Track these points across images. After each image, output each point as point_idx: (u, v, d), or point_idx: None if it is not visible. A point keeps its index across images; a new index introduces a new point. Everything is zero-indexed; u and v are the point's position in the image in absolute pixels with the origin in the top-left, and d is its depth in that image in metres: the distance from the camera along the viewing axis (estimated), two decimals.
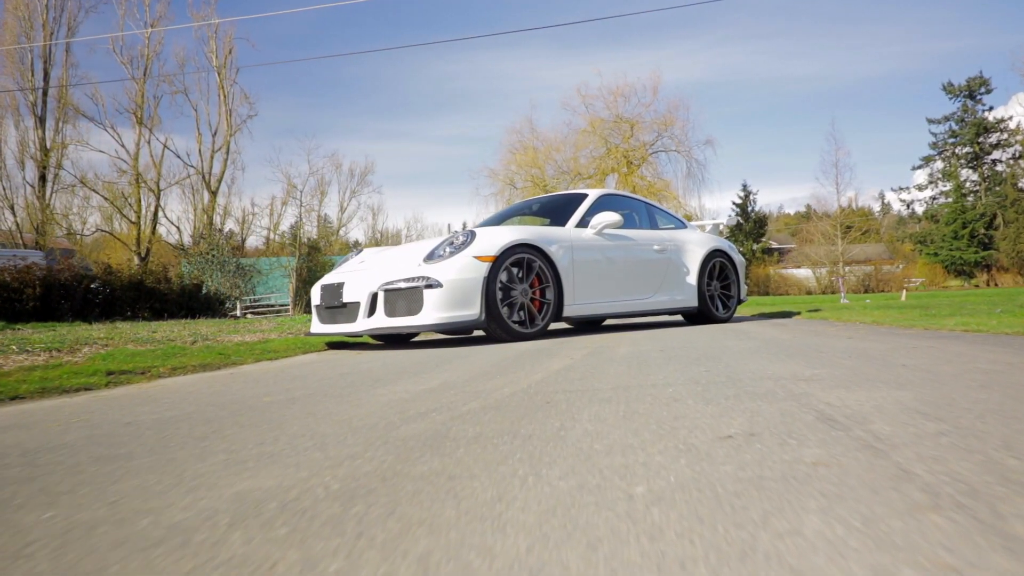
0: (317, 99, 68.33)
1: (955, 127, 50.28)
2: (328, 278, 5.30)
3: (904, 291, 21.35)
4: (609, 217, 5.56)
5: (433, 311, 4.54)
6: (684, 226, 6.91)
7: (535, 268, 5.04)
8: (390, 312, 4.66)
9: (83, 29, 34.07)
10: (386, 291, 4.68)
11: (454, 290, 4.59)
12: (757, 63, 72.23)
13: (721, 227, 7.52)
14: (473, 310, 4.64)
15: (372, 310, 4.73)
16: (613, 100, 39.32)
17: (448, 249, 4.80)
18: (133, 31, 33.36)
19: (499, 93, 69.34)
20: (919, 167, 52.73)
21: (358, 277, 4.94)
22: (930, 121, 51.46)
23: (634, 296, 5.88)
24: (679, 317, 7.75)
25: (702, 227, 7.31)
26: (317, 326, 5.20)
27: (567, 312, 5.24)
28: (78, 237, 36.61)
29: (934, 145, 51.50)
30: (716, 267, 6.65)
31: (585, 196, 5.99)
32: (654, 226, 6.53)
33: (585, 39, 63.53)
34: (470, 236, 4.85)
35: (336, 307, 4.99)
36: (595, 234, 5.61)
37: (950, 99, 50.58)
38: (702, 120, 54.87)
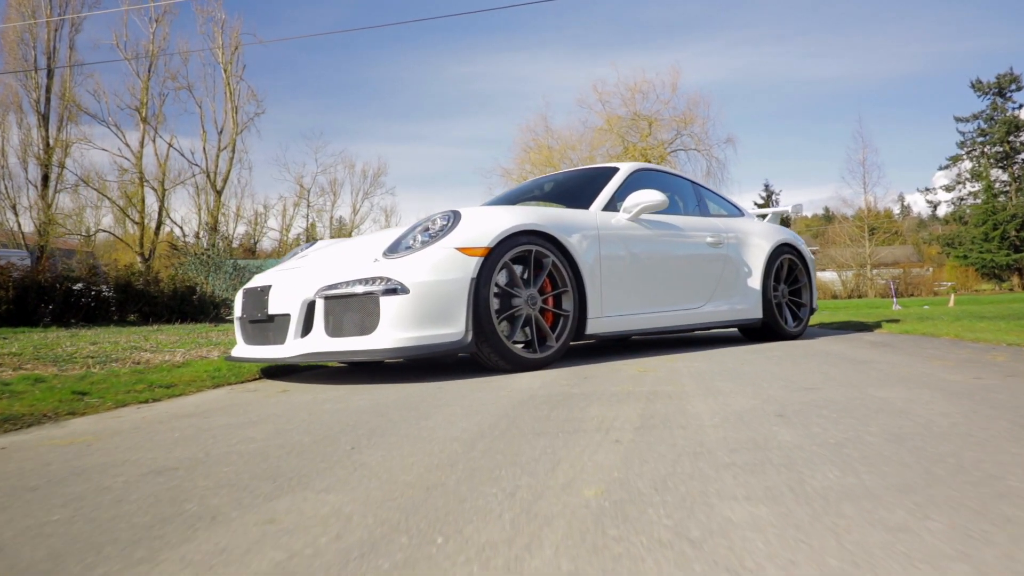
0: (333, 101, 66.98)
1: (984, 125, 48.28)
2: (255, 280, 3.79)
3: (952, 296, 19.63)
4: (649, 197, 4.02)
5: (394, 329, 3.03)
6: (741, 213, 5.35)
7: (547, 266, 3.51)
8: (333, 330, 3.15)
9: (87, 25, 32.98)
10: (327, 299, 3.16)
11: (426, 297, 3.07)
12: (774, 65, 70.18)
13: (784, 216, 5.95)
14: (454, 327, 3.12)
15: (308, 326, 3.22)
16: (631, 97, 37.83)
17: (420, 237, 3.28)
18: (137, 5, 32.25)
19: (515, 95, 67.62)
20: (946, 167, 50.82)
21: (291, 278, 3.42)
22: (958, 119, 49.52)
23: (681, 305, 4.32)
24: (729, 330, 6.19)
25: (761, 216, 5.74)
26: (241, 348, 3.70)
27: (592, 328, 3.71)
28: (82, 237, 35.57)
29: (962, 144, 49.53)
30: (784, 266, 5.09)
31: (615, 170, 4.45)
32: (704, 212, 4.97)
33: (602, 41, 61.63)
34: (452, 219, 3.33)
35: (261, 321, 3.48)
36: (629, 220, 4.07)
37: (979, 96, 48.64)
38: (722, 118, 52.62)
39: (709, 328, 4.58)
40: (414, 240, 3.27)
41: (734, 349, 4.25)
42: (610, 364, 3.52)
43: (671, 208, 4.61)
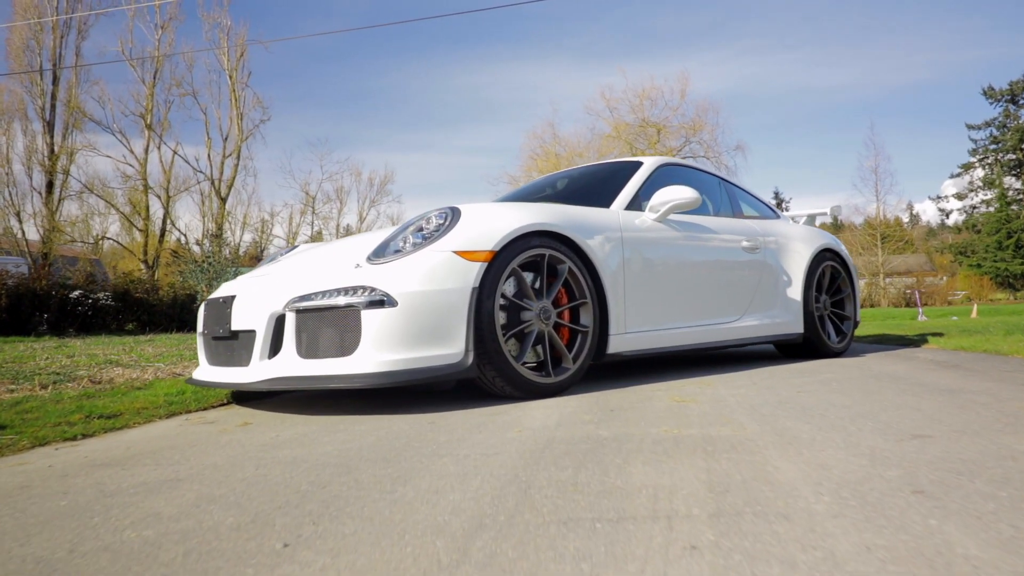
0: (340, 110, 66.54)
1: (996, 133, 47.60)
2: (220, 290, 3.26)
3: (975, 306, 18.97)
4: (679, 194, 3.46)
5: (378, 349, 2.48)
6: (776, 215, 4.79)
7: (562, 273, 2.96)
8: (307, 350, 2.60)
9: (93, 32, 32.67)
10: (299, 312, 2.62)
11: (417, 310, 2.52)
12: (782, 74, 69.53)
13: (819, 220, 5.38)
14: (452, 347, 2.57)
15: (276, 345, 2.67)
16: (639, 104, 37.35)
17: (412, 239, 2.74)
18: (143, 3, 31.92)
19: (523, 103, 67.09)
20: (958, 175, 50.13)
21: (258, 288, 2.88)
22: (970, 127, 48.84)
23: (715, 319, 3.76)
24: (760, 345, 5.61)
25: (792, 219, 5.17)
26: (203, 369, 3.15)
27: (615, 347, 3.15)
28: (87, 245, 35.22)
29: (974, 152, 48.81)
30: (826, 274, 4.52)
31: (638, 165, 3.90)
32: (737, 212, 4.41)
33: (610, 50, 61.00)
34: (450, 217, 2.79)
35: (223, 338, 2.94)
36: (656, 220, 3.52)
37: (991, 104, 47.90)
38: (732, 125, 52.28)
39: (744, 345, 4.02)
40: (404, 242, 2.73)
41: (775, 369, 3.69)
42: (636, 390, 2.96)
43: (700, 208, 4.05)
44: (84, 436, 2.42)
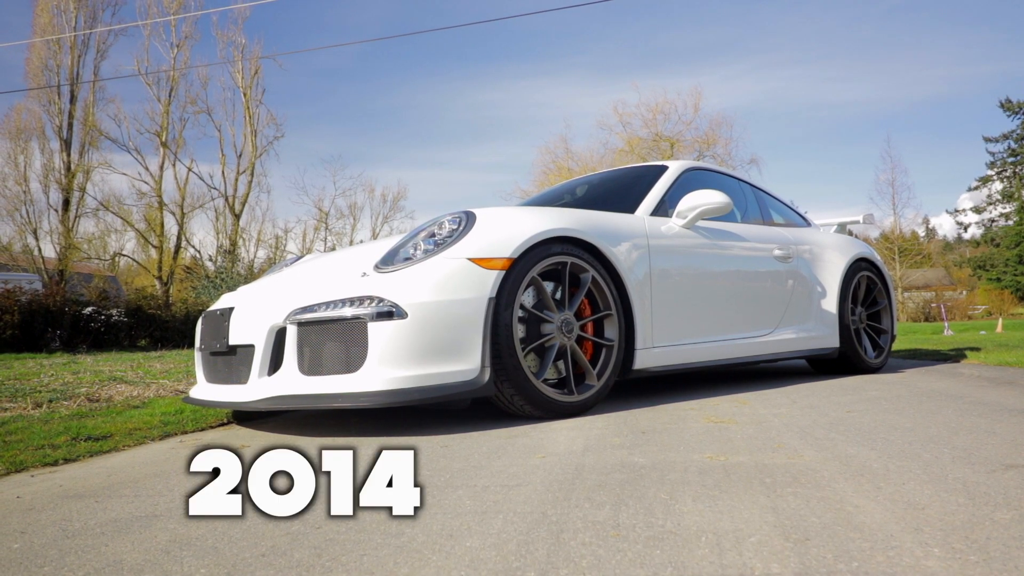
0: (353, 127, 66.66)
1: (1015, 145, 47.04)
2: (219, 301, 3.06)
3: (1000, 320, 18.51)
4: (709, 199, 3.24)
5: (386, 365, 2.26)
6: (807, 223, 4.55)
7: (585, 283, 2.74)
8: (309, 366, 2.39)
9: (111, 52, 32.92)
10: (300, 324, 2.41)
11: (428, 323, 2.31)
12: (796, 89, 69.06)
13: (849, 228, 5.12)
14: (467, 362, 2.35)
15: (277, 361, 2.46)
16: (652, 118, 37.13)
17: (423, 245, 2.53)
18: (159, 19, 32.21)
19: (535, 121, 66.85)
20: (975, 188, 49.46)
21: (258, 299, 2.68)
22: (987, 139, 48.25)
23: (747, 332, 3.52)
24: (792, 360, 5.35)
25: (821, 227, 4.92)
26: (200, 387, 2.95)
27: (641, 362, 2.92)
28: (102, 261, 35.38)
29: (992, 165, 48.22)
30: (862, 285, 4.27)
31: (663, 169, 3.68)
32: (767, 219, 4.17)
33: (623, 67, 60.72)
34: (464, 221, 2.58)
35: (221, 353, 2.73)
36: (684, 227, 3.30)
37: (1008, 116, 47.29)
38: (746, 139, 51.90)
39: (777, 360, 3.77)
40: (415, 248, 2.52)
41: (813, 386, 3.44)
42: (665, 408, 2.72)
43: (728, 214, 3.82)
44: (66, 461, 2.22)
